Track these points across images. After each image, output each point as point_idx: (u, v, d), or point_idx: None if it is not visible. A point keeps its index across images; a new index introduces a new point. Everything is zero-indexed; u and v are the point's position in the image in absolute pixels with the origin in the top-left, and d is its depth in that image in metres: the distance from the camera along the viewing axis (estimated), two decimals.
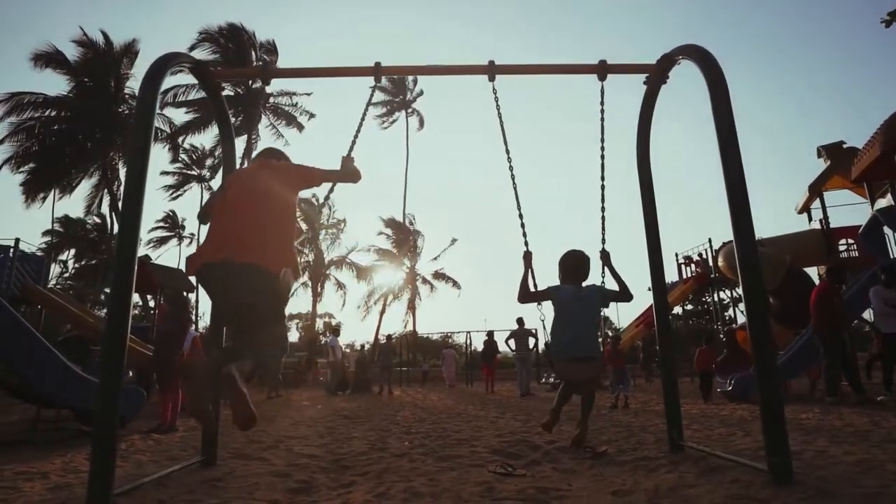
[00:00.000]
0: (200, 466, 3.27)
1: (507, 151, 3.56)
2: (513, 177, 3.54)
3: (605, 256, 3.62)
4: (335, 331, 15.02)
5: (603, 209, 3.63)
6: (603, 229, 3.65)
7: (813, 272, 12.85)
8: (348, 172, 2.93)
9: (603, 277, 3.63)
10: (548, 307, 3.62)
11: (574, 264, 3.65)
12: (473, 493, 2.54)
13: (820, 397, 7.19)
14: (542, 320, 3.62)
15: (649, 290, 3.97)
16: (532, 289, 3.55)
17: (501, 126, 3.50)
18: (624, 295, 3.59)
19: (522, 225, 3.58)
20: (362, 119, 3.29)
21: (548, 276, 3.77)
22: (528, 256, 3.57)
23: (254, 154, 3.19)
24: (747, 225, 2.67)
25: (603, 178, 3.64)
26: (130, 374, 9.67)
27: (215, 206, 2.68)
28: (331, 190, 3.23)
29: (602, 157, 3.63)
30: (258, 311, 2.41)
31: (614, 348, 8.70)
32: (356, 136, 3.22)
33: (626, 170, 4.02)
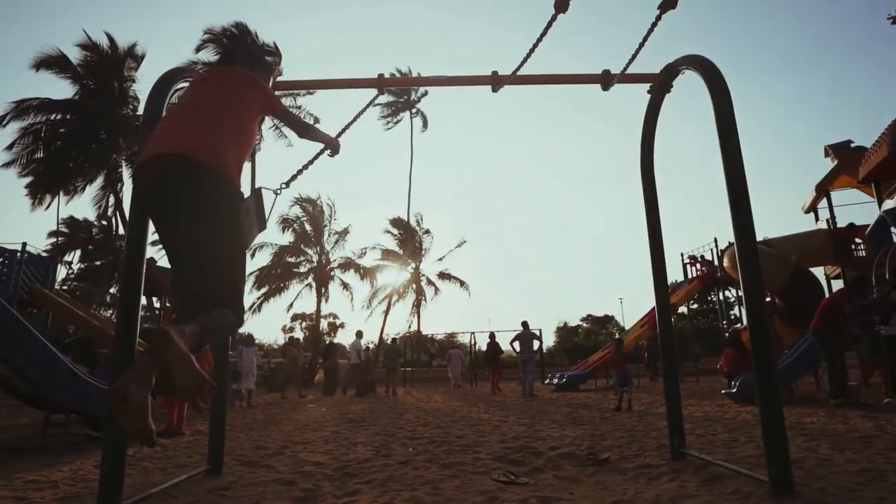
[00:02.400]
0: (207, 475, 3.31)
1: None
2: None
3: None
4: (358, 333, 15.34)
5: None
6: None
7: (819, 272, 12.84)
8: (326, 138, 2.73)
9: None
10: None
11: None
12: (476, 503, 2.56)
13: (824, 398, 7.18)
14: None
15: None
16: None
17: None
18: None
19: None
20: (360, 113, 3.30)
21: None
22: None
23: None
24: (747, 224, 2.68)
25: None
26: None
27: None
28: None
29: None
30: (210, 243, 1.90)
31: (617, 351, 8.70)
32: (350, 124, 3.17)
33: (634, 164, 3.98)
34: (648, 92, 3.61)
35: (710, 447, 3.90)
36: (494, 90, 3.35)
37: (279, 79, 2.94)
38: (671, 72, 3.33)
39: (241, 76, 2.32)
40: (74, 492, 2.96)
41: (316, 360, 22.20)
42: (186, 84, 2.66)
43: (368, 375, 14.75)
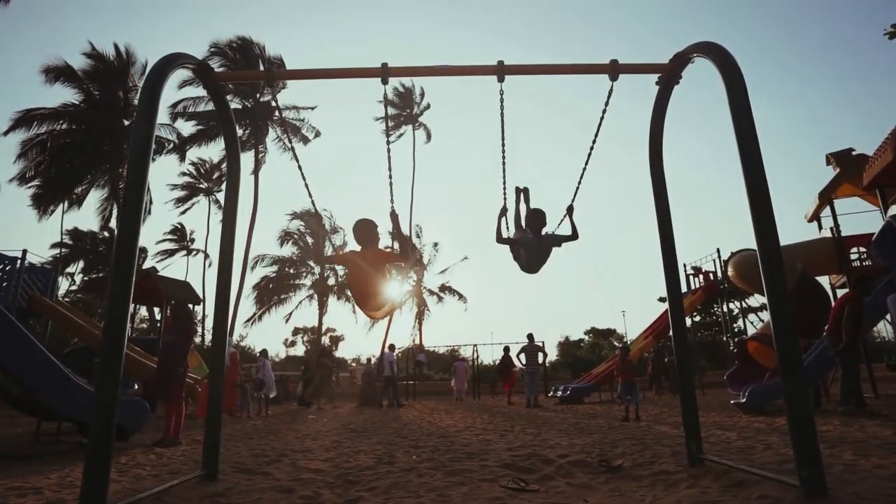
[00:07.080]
0: (201, 481, 3.16)
1: (504, 148, 3.77)
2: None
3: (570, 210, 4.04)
4: (391, 346, 15.19)
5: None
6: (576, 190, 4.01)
7: (825, 281, 12.65)
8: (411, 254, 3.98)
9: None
10: None
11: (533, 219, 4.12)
12: None
13: (833, 408, 6.99)
14: None
15: (660, 300, 3.86)
16: (504, 234, 4.16)
17: (502, 127, 3.62)
18: (573, 237, 4.08)
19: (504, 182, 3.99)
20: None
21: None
22: (503, 211, 4.12)
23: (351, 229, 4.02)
24: (770, 229, 2.54)
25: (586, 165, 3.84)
26: (136, 386, 9.59)
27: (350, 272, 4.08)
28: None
29: (591, 148, 3.73)
30: None
31: (623, 360, 8.50)
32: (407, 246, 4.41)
33: (636, 173, 3.92)
34: (657, 83, 3.51)
35: (727, 454, 3.74)
36: (500, 80, 3.26)
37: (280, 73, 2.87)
38: (681, 60, 3.23)
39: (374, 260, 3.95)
40: (59, 497, 2.81)
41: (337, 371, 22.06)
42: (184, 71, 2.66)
43: (371, 387, 14.55)
